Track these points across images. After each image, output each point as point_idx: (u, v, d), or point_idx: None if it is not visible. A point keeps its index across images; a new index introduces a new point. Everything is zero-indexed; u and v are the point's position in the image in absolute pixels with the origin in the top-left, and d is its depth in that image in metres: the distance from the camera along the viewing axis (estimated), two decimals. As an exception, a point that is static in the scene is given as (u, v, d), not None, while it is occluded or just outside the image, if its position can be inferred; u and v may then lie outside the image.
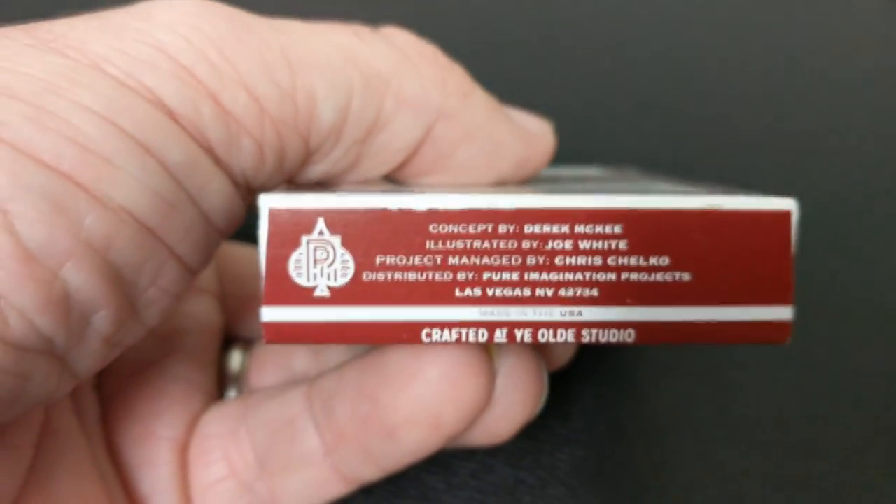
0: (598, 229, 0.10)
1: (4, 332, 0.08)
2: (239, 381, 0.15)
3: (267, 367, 0.15)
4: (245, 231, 0.12)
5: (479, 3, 0.24)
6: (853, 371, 0.18)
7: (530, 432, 0.15)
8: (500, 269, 0.10)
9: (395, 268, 0.10)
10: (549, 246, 0.10)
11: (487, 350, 0.12)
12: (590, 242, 0.10)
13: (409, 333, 0.10)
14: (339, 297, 0.10)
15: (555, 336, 0.10)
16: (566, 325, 0.10)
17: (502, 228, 0.10)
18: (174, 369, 0.14)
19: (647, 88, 0.23)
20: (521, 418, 0.12)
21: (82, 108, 0.09)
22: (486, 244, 0.10)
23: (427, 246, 0.10)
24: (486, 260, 0.10)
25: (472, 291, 0.10)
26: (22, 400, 0.09)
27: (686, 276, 0.10)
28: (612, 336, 0.10)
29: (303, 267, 0.10)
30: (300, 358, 0.15)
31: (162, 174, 0.09)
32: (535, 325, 0.10)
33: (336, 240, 0.10)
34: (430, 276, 0.10)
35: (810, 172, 0.22)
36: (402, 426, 0.12)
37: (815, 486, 0.16)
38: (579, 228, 0.10)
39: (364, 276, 0.10)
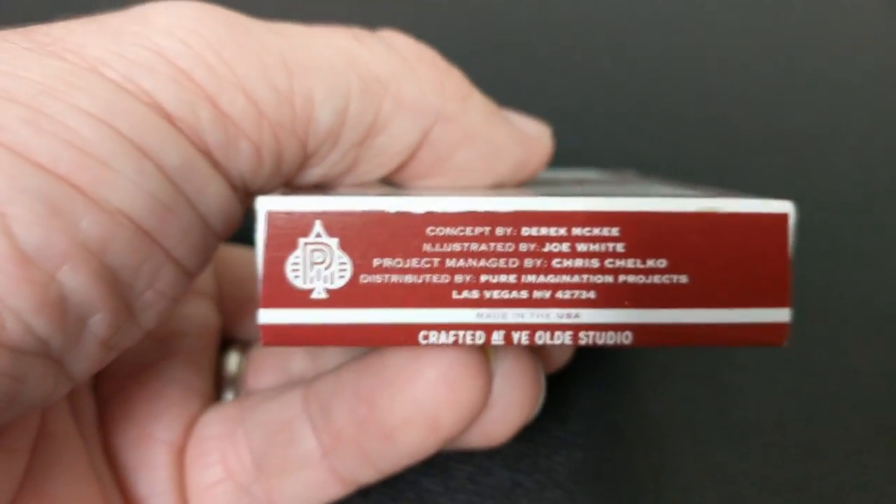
0: (596, 231, 0.10)
1: (0, 335, 0.08)
2: (236, 383, 0.15)
3: (264, 369, 0.15)
4: (243, 233, 0.12)
5: (477, 6, 0.24)
6: (852, 373, 0.18)
7: (528, 435, 0.15)
8: (498, 271, 0.10)
9: (392, 270, 0.10)
10: (547, 248, 0.10)
11: (484, 352, 0.12)
12: (587, 245, 0.10)
13: (406, 335, 0.10)
14: (336, 299, 0.10)
15: (552, 338, 0.10)
16: (563, 328, 0.10)
17: (500, 231, 0.10)
18: (171, 372, 0.14)
19: (645, 90, 0.23)
20: (519, 420, 0.12)
21: (80, 111, 0.09)
22: (484, 246, 0.10)
23: (424, 248, 0.10)
24: (483, 262, 0.10)
25: (470, 293, 0.10)
26: (18, 403, 0.09)
27: (683, 279, 0.10)
28: (610, 338, 0.10)
29: (300, 269, 0.10)
30: (298, 360, 0.15)
31: (159, 177, 0.09)
32: (533, 328, 0.10)
33: (333, 242, 0.10)
34: (428, 279, 0.10)
35: (810, 174, 0.22)
36: (399, 428, 0.12)
37: (814, 488, 0.16)
38: (576, 231, 0.10)
39: (361, 279, 0.10)
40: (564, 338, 0.10)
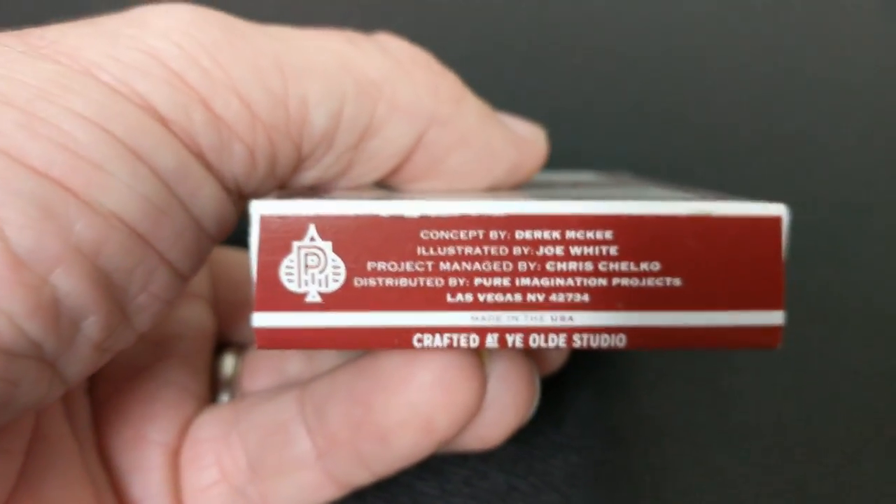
0: (589, 235, 0.10)
1: (-7, 338, 0.08)
2: (231, 385, 0.15)
3: (260, 371, 0.15)
4: (238, 236, 0.12)
5: (472, 8, 0.24)
6: (850, 374, 0.18)
7: (524, 438, 0.15)
8: (492, 274, 0.10)
9: (386, 274, 0.10)
10: (541, 251, 0.10)
11: (479, 355, 0.12)
12: (581, 248, 0.10)
13: (400, 339, 0.10)
14: (330, 302, 0.10)
15: (546, 341, 0.10)
16: (557, 330, 0.10)
17: (493, 234, 0.10)
18: (166, 374, 0.14)
19: (642, 92, 0.23)
20: (513, 423, 0.12)
21: (74, 114, 0.09)
22: (478, 250, 0.10)
23: (418, 252, 0.10)
24: (477, 266, 0.10)
25: (464, 297, 0.10)
26: (12, 405, 0.09)
27: (677, 282, 0.10)
28: (604, 341, 0.10)
29: (294, 273, 0.10)
30: (293, 362, 0.15)
31: (153, 180, 0.09)
32: (527, 331, 0.10)
33: (327, 246, 0.10)
34: (422, 282, 0.10)
35: (808, 176, 0.22)
36: (394, 430, 0.12)
37: (813, 489, 0.15)
38: (570, 234, 0.10)
39: (355, 282, 0.10)
40: (558, 340, 0.10)
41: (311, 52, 0.11)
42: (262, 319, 0.10)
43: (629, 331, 0.10)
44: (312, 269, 0.10)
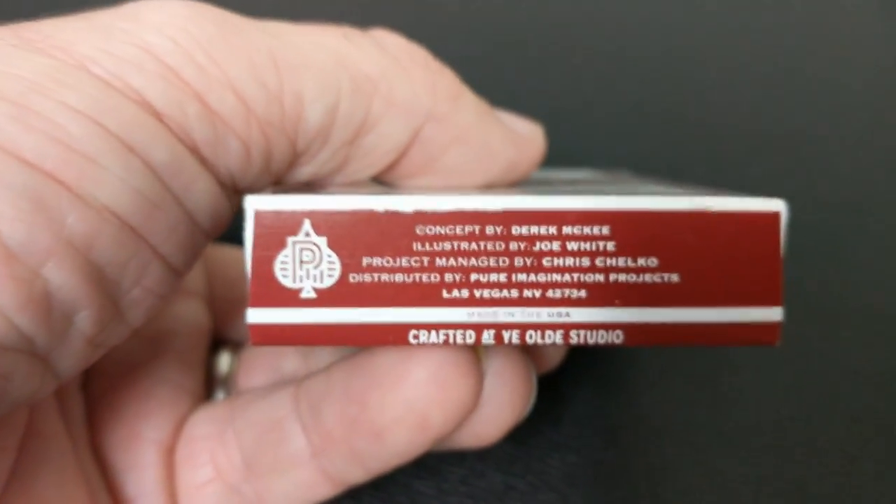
0: (586, 230, 0.10)
1: (-17, 331, 0.08)
2: (227, 382, 0.15)
3: (255, 369, 0.15)
4: (234, 233, 0.12)
5: (471, 6, 0.24)
6: (850, 373, 0.17)
7: (521, 437, 0.15)
8: (488, 270, 0.10)
9: (381, 269, 0.10)
10: (537, 247, 0.10)
11: (475, 351, 0.12)
12: (578, 243, 0.10)
13: (396, 335, 0.10)
14: (325, 298, 0.10)
15: (543, 337, 0.10)
16: (554, 327, 0.10)
17: (489, 230, 0.10)
18: (161, 371, 0.14)
19: (641, 90, 0.23)
20: (510, 420, 0.12)
21: (67, 108, 0.09)
22: (474, 245, 0.10)
23: (414, 247, 0.10)
24: (473, 261, 0.10)
25: (460, 293, 0.10)
26: (3, 400, 0.09)
27: (674, 277, 0.10)
28: (601, 337, 0.10)
29: (289, 268, 0.10)
30: (289, 360, 0.15)
31: (146, 174, 0.09)
32: (523, 327, 0.10)
33: (322, 241, 0.10)
34: (418, 278, 0.10)
35: (807, 174, 0.22)
36: (389, 428, 0.12)
37: (813, 489, 0.15)
38: (567, 229, 0.10)
39: (350, 278, 0.10)
40: (555, 337, 0.10)
41: (307, 48, 0.11)
42: (256, 315, 0.10)
43: (627, 327, 0.10)
44: (307, 264, 0.10)
